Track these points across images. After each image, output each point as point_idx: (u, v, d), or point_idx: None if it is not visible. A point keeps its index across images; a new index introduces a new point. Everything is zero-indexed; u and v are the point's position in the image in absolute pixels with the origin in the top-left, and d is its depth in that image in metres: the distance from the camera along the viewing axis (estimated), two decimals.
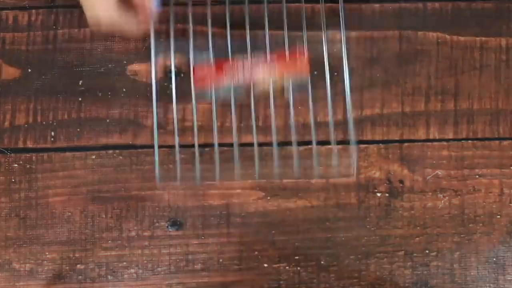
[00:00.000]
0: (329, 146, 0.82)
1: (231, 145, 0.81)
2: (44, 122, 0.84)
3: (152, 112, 0.81)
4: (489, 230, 0.83)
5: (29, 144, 0.84)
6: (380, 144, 0.84)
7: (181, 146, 0.81)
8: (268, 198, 0.83)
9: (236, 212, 0.82)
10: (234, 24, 0.82)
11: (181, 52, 0.81)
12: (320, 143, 0.83)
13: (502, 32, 0.85)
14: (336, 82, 0.83)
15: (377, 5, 0.85)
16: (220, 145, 0.81)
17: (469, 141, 0.84)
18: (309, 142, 0.82)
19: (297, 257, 0.82)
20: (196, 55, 0.80)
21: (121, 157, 0.83)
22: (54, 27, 0.86)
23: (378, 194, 0.83)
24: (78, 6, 0.81)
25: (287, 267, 0.82)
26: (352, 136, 0.81)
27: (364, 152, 0.82)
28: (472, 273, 0.82)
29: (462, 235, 0.83)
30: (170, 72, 0.82)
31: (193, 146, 0.81)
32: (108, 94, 0.83)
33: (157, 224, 0.82)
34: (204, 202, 0.82)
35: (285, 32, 0.81)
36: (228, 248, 0.82)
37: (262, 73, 0.75)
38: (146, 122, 0.84)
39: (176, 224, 0.82)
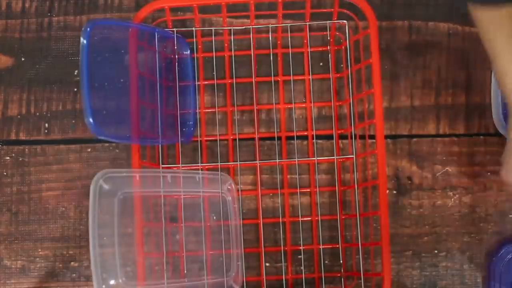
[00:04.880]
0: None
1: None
2: (37, 113, 0.83)
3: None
4: (501, 230, 0.81)
5: (22, 136, 0.82)
6: (388, 139, 0.82)
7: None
8: (271, 194, 0.81)
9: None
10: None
11: None
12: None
13: None
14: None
15: None
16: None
17: (481, 137, 0.82)
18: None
19: (300, 256, 0.79)
20: None
21: (117, 150, 0.82)
22: (49, 14, 0.84)
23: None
24: None
25: (289, 267, 0.79)
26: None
27: (371, 147, 0.80)
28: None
29: (472, 235, 0.81)
30: None
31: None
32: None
33: (155, 220, 0.80)
34: (203, 198, 0.80)
35: None
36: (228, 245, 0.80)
37: None
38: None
39: (175, 220, 0.80)
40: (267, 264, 0.80)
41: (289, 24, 0.81)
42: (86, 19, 0.83)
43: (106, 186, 0.68)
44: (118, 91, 0.74)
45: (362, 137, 0.80)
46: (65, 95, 0.83)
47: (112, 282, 0.68)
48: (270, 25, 0.81)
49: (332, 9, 0.79)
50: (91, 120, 0.68)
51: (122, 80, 0.74)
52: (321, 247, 0.79)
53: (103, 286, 0.65)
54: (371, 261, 0.77)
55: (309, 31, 0.82)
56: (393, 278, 0.80)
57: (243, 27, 0.81)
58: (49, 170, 0.81)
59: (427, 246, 0.80)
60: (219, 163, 0.78)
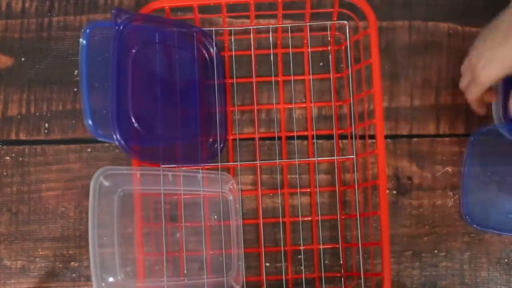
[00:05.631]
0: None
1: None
2: (37, 113, 0.82)
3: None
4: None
5: (22, 136, 0.82)
6: (388, 139, 0.82)
7: None
8: (271, 194, 0.81)
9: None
10: None
11: None
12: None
13: None
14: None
15: None
16: None
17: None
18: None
19: (300, 256, 0.79)
20: None
21: (117, 150, 0.81)
22: (49, 14, 0.84)
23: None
24: None
25: (289, 267, 0.79)
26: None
27: (371, 147, 0.80)
28: (482, 275, 0.80)
29: (472, 235, 0.81)
30: None
31: None
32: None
33: (155, 220, 0.80)
34: (204, 197, 0.80)
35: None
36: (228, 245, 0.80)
37: None
38: None
39: (175, 220, 0.80)
40: (267, 264, 0.80)
41: (289, 25, 0.81)
42: (86, 19, 0.83)
43: (106, 183, 0.68)
44: None
45: (362, 137, 0.80)
46: (65, 95, 0.82)
47: (111, 279, 0.68)
48: (271, 26, 0.81)
49: (332, 9, 0.79)
50: (90, 122, 0.68)
51: None
52: (321, 247, 0.79)
53: (103, 284, 0.65)
54: (371, 261, 0.77)
55: (309, 31, 0.82)
56: (393, 278, 0.80)
57: (243, 27, 0.81)
58: (49, 170, 0.81)
59: (427, 246, 0.80)
60: (219, 163, 0.78)
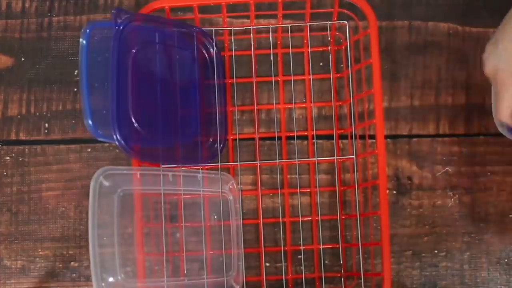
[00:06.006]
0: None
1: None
2: (37, 113, 0.82)
3: None
4: (501, 230, 0.80)
5: (22, 136, 0.82)
6: (388, 139, 0.82)
7: None
8: (271, 194, 0.81)
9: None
10: None
11: None
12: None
13: None
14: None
15: None
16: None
17: (481, 137, 0.82)
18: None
19: (300, 256, 0.79)
20: None
21: (117, 151, 0.81)
22: (49, 14, 0.84)
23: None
24: None
25: (289, 267, 0.79)
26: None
27: (371, 147, 0.80)
28: (482, 275, 0.80)
29: (472, 235, 0.81)
30: None
31: None
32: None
33: (155, 220, 0.80)
34: (204, 197, 0.80)
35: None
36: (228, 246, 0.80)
37: None
38: None
39: (175, 220, 0.80)
40: (267, 264, 0.80)
41: (289, 25, 0.81)
42: (86, 19, 0.83)
43: (106, 183, 0.68)
44: None
45: (362, 137, 0.80)
46: (65, 95, 0.82)
47: (111, 279, 0.68)
48: (271, 26, 0.81)
49: (332, 9, 0.79)
50: (90, 122, 0.68)
51: None
52: (321, 247, 0.79)
53: (103, 284, 0.65)
54: (371, 261, 0.77)
55: (309, 31, 0.82)
56: (393, 278, 0.80)
57: (243, 27, 0.81)
58: (49, 170, 0.81)
59: (427, 246, 0.80)
60: (219, 163, 0.78)
